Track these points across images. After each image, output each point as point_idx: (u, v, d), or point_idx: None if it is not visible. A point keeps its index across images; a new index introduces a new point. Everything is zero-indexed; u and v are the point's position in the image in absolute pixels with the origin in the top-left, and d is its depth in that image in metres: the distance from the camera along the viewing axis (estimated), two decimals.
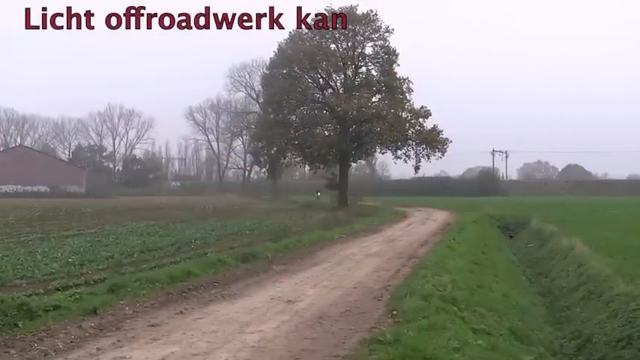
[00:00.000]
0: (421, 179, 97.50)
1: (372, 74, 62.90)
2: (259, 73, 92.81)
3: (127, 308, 12.02)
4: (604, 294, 14.92)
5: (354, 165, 79.29)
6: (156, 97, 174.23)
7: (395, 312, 11.57)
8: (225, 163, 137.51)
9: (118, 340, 9.74)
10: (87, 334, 10.16)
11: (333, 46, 61.86)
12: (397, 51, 61.57)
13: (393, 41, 61.77)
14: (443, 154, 60.24)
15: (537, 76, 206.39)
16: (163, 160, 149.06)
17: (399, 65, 61.93)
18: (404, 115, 59.59)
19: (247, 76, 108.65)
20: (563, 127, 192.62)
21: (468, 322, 10.89)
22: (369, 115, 57.26)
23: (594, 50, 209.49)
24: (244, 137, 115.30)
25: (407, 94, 61.12)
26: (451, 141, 59.99)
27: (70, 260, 18.50)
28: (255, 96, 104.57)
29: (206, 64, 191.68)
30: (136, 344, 9.51)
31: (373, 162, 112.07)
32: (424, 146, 59.71)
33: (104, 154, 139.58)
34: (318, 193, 74.54)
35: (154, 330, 10.42)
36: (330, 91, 62.79)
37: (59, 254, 19.93)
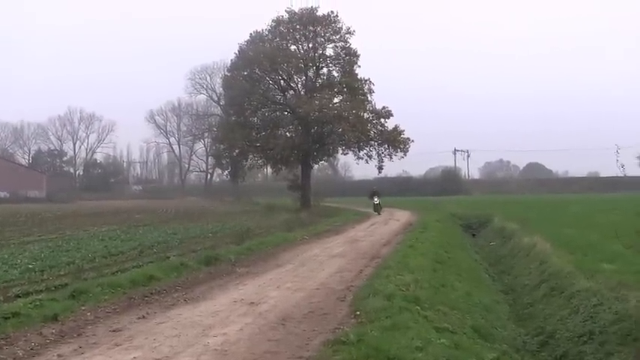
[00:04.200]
0: (383, 179, 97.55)
1: (334, 75, 63.07)
2: (220, 75, 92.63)
3: (89, 314, 11.86)
4: (566, 290, 15.07)
5: (316, 166, 79.24)
6: (117, 100, 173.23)
7: (358, 312, 11.53)
8: (187, 166, 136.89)
9: (80, 347, 9.59)
10: (48, 340, 10.00)
11: (293, 47, 62.02)
12: (358, 52, 61.88)
13: (354, 42, 62.08)
14: (405, 154, 60.67)
15: (497, 75, 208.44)
16: (125, 163, 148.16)
17: (359, 66, 62.31)
18: (365, 115, 59.84)
19: (208, 78, 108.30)
20: (523, 126, 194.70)
21: (431, 321, 10.91)
22: (330, 116, 57.32)
23: (551, 49, 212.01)
24: (206, 140, 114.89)
25: (368, 95, 61.46)
26: (413, 141, 60.45)
27: (30, 266, 18.31)
28: (216, 98, 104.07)
29: (167, 67, 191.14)
30: (98, 350, 9.37)
31: (335, 163, 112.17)
32: (386, 146, 60.03)
33: (64, 158, 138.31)
34: (376, 200, 50.56)
35: (116, 335, 10.28)
36: (291, 92, 62.85)
37: (19, 260, 19.71)
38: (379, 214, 48.42)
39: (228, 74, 66.56)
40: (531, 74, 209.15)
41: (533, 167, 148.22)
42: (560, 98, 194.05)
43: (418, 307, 11.63)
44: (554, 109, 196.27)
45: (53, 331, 10.54)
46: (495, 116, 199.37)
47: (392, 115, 60.05)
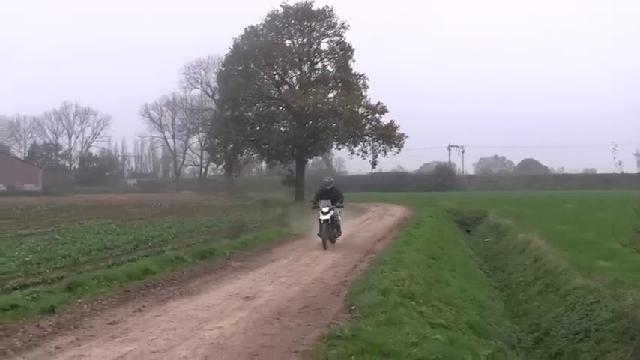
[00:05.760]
0: (378, 175, 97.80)
1: (328, 70, 63.20)
2: (215, 70, 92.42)
3: (85, 306, 11.84)
4: (561, 287, 15.05)
5: (310, 161, 79.12)
6: (112, 95, 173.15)
7: (353, 307, 11.48)
8: (181, 160, 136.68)
9: (77, 339, 9.57)
10: (45, 332, 9.98)
11: (288, 42, 62.21)
12: (353, 47, 61.91)
13: (349, 37, 62.12)
14: (400, 150, 60.67)
15: (493, 72, 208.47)
16: (120, 157, 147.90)
17: (354, 61, 62.39)
18: (360, 110, 59.91)
19: (203, 72, 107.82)
20: (519, 122, 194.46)
21: (426, 317, 10.86)
22: (325, 110, 57.42)
23: (546, 46, 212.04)
24: (200, 134, 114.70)
25: (363, 90, 61.64)
26: (407, 136, 60.52)
27: (27, 259, 18.19)
28: (211, 93, 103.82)
29: (161, 62, 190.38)
30: (95, 342, 9.34)
31: (330, 158, 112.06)
32: (381, 142, 60.01)
33: (60, 152, 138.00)
34: (326, 210, 22.74)
35: (113, 328, 10.27)
36: (286, 87, 62.79)
37: (16, 253, 19.59)
38: (323, 242, 22.39)
39: (223, 69, 66.44)
40: (528, 71, 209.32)
41: (528, 164, 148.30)
42: (557, 95, 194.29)
43: (413, 303, 11.59)
44: (552, 105, 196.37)
45: (50, 322, 10.53)
46: (492, 113, 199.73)
47: (387, 111, 60.23)
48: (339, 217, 23.44)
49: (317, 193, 23.90)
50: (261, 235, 25.74)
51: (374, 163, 62.15)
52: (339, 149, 65.41)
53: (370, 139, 60.39)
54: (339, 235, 23.53)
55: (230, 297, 12.87)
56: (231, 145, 62.43)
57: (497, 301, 17.13)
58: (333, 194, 23.37)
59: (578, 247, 20.43)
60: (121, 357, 8.55)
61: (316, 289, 13.88)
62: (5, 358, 8.66)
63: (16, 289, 13.25)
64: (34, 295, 12.01)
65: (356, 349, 8.46)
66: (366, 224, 34.65)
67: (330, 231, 22.71)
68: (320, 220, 22.61)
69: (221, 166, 72.74)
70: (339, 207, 23.18)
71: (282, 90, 62.65)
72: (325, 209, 22.59)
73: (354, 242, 24.45)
